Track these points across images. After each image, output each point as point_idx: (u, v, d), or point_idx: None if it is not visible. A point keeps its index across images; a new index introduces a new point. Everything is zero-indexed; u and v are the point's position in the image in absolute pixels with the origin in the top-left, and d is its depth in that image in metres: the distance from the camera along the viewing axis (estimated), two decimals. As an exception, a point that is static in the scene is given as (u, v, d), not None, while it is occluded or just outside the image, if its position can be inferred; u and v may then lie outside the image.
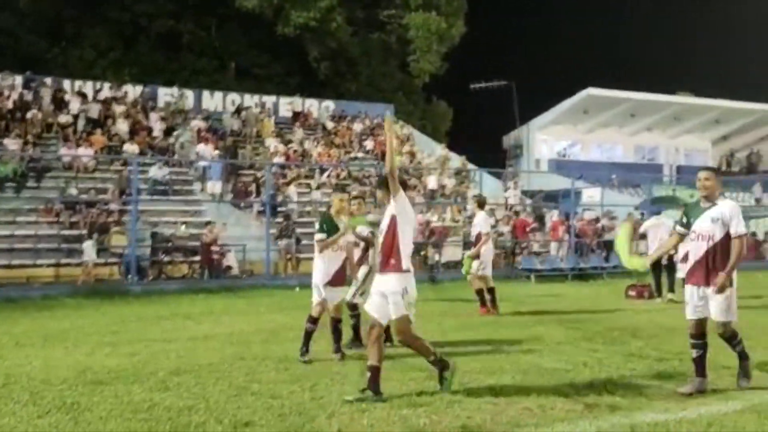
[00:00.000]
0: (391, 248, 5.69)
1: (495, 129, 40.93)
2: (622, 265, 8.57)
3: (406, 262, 5.67)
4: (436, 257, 19.20)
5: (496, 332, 9.04)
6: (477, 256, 10.88)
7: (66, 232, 17.82)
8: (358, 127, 29.68)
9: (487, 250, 10.99)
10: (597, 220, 21.95)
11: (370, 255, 7.96)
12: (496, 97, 40.49)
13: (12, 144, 20.88)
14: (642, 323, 10.00)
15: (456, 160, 28.58)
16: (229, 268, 16.79)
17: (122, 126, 23.72)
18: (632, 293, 13.53)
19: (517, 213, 21.98)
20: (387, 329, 6.80)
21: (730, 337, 5.87)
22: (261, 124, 27.15)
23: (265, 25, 32.89)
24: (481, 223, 10.97)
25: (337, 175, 24.78)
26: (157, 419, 5.04)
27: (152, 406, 5.37)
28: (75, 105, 24.16)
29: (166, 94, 27.38)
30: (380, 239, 5.87)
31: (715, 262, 5.74)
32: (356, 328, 7.99)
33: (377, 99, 33.19)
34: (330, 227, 7.35)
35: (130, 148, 22.60)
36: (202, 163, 22.24)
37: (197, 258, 16.96)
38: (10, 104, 23.32)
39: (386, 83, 36.57)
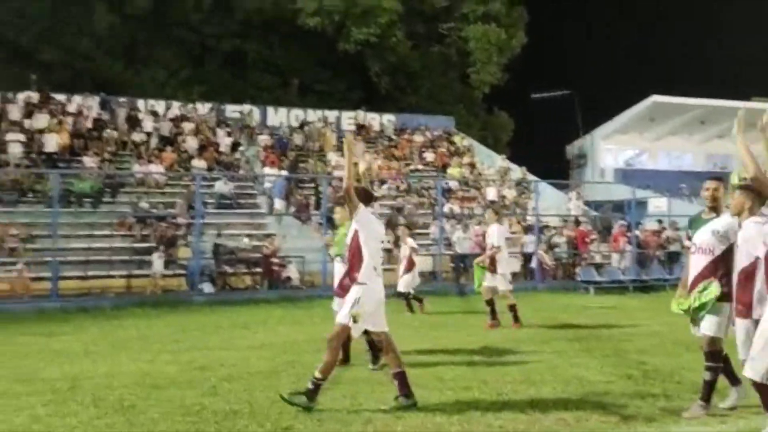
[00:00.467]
0: (354, 262, 5.93)
1: (557, 139, 40.44)
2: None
3: (365, 276, 5.83)
4: (494, 269, 19.11)
5: (544, 344, 9.04)
6: (494, 269, 10.74)
7: (137, 245, 18.68)
8: (418, 139, 29.94)
9: (506, 263, 10.86)
10: (661, 230, 21.40)
11: None
12: (558, 107, 40.05)
13: (90, 162, 22.09)
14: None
15: (516, 171, 28.42)
16: (288, 279, 17.23)
17: (191, 143, 24.69)
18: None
19: (578, 223, 21.67)
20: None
21: (712, 354, 5.43)
22: (323, 139, 27.77)
23: (326, 42, 33.66)
24: (494, 234, 10.84)
25: (397, 187, 25.07)
26: (205, 421, 5.36)
27: (201, 409, 5.71)
28: (148, 123, 25.31)
29: (232, 111, 28.31)
30: (347, 254, 6.12)
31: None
32: (370, 343, 7.77)
33: (438, 111, 33.37)
34: (340, 239, 7.71)
35: (198, 163, 23.53)
36: (267, 185, 22.83)
37: (259, 270, 17.49)
38: (88, 124, 24.66)
39: (446, 95, 36.70)
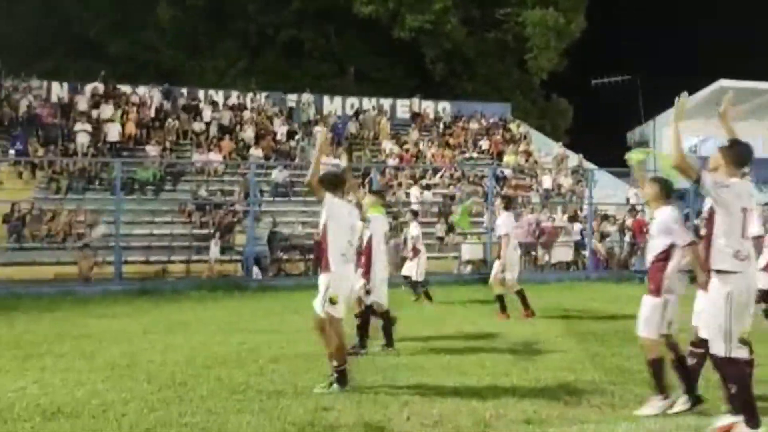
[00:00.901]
0: (323, 249, 6.10)
1: (619, 125, 39.45)
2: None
3: (333, 263, 5.99)
4: (546, 258, 18.99)
5: (589, 333, 8.98)
6: (499, 257, 10.73)
7: (196, 231, 19.32)
8: (474, 126, 29.77)
9: (512, 253, 10.70)
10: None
11: None
12: (619, 92, 39.02)
13: (152, 150, 22.90)
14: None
15: (573, 159, 27.95)
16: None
17: (249, 132, 25.27)
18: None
19: (635, 212, 21.18)
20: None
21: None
22: (378, 127, 27.95)
23: (381, 29, 33.76)
24: (503, 223, 10.68)
25: (451, 175, 25.04)
26: (249, 400, 5.62)
27: (247, 388, 5.98)
28: (207, 113, 26.00)
29: (289, 100, 28.76)
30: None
31: None
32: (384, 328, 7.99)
33: (494, 98, 33.09)
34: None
35: (255, 152, 24.08)
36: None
37: (311, 256, 17.83)
38: (151, 114, 25.54)
39: (503, 82, 36.32)
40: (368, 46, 35.00)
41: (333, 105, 29.70)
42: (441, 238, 20.72)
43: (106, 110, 24.11)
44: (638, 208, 22.53)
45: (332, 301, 5.97)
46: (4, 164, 21.06)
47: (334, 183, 6.23)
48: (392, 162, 24.82)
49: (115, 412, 5.26)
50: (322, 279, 6.08)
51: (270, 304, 12.58)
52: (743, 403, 4.52)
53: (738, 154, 4.69)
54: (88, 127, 22.83)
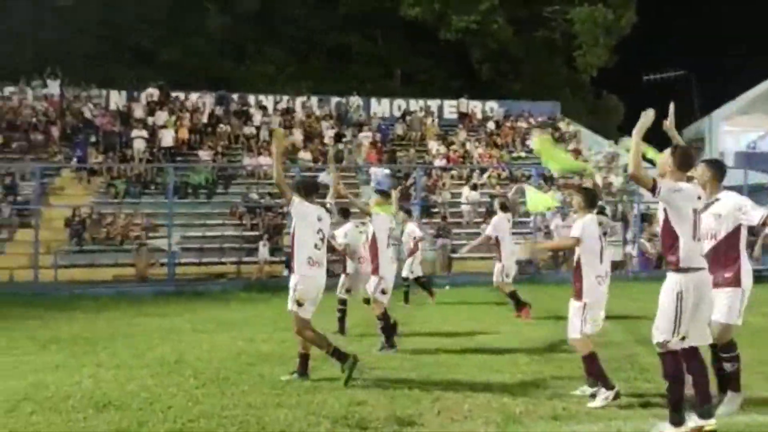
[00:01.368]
0: (292, 252, 6.36)
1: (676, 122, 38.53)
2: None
3: (299, 266, 6.20)
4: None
5: (629, 333, 8.92)
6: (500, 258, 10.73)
7: (247, 233, 19.84)
8: (522, 126, 29.59)
9: (508, 254, 10.64)
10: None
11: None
12: (673, 88, 38.14)
13: (205, 155, 23.60)
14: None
15: (624, 157, 27.47)
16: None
17: (297, 135, 25.74)
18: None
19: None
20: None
21: (726, 344, 5.28)
22: (425, 128, 28.07)
23: (427, 31, 33.91)
24: (495, 225, 10.71)
25: (498, 175, 24.97)
26: (288, 394, 5.87)
27: (286, 384, 6.23)
28: (257, 118, 26.62)
29: (337, 103, 29.13)
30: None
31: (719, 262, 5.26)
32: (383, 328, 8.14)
33: (543, 97, 32.76)
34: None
35: (304, 155, 24.53)
36: (372, 185, 23.12)
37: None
38: (204, 119, 26.28)
39: (551, 80, 35.93)
40: (415, 47, 35.18)
41: (380, 107, 29.94)
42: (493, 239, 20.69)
43: (161, 117, 24.94)
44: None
45: (299, 303, 6.24)
46: (66, 170, 22.03)
47: (306, 188, 6.49)
48: (439, 163, 24.90)
49: (161, 405, 5.56)
50: (291, 281, 6.36)
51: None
52: (672, 398, 4.68)
53: (683, 159, 4.88)
54: (144, 133, 23.66)
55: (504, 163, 25.85)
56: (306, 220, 6.34)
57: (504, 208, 11.04)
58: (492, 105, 30.99)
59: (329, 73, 34.30)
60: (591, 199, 5.99)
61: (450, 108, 30.37)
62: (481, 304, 12.59)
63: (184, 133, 24.63)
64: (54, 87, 25.80)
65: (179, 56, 32.97)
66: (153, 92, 26.41)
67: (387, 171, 23.51)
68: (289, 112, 27.70)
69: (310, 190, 6.54)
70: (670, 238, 4.74)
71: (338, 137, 26.25)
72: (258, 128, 25.98)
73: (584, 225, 5.79)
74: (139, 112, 25.27)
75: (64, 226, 19.44)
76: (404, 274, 12.91)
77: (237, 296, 14.11)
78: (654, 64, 38.76)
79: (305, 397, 5.76)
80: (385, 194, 8.93)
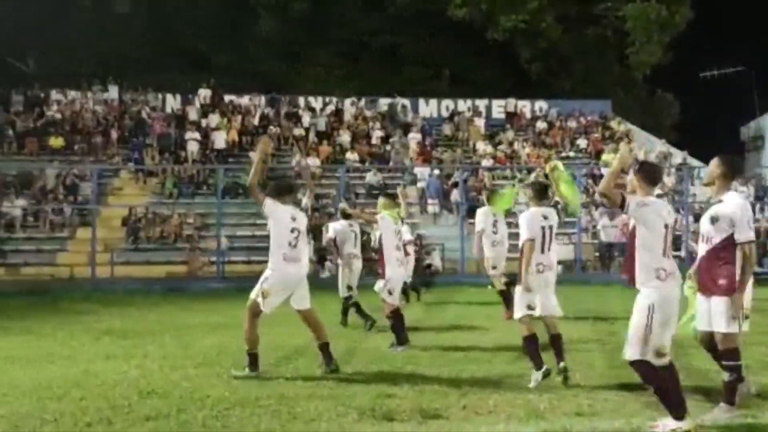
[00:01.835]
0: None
1: (731, 120, 37.40)
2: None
3: (273, 262, 6.57)
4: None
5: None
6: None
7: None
8: (572, 125, 29.28)
9: (489, 248, 10.49)
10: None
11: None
12: (731, 85, 36.99)
13: (255, 156, 24.14)
14: None
15: (677, 156, 26.94)
16: (429, 266, 17.85)
17: (345, 136, 26.12)
18: None
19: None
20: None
21: (728, 352, 5.14)
22: (471, 128, 28.06)
23: (475, 31, 33.84)
24: (478, 219, 10.71)
25: (545, 176, 24.75)
26: (320, 386, 6.11)
27: (320, 377, 6.47)
28: (306, 119, 27.12)
29: (384, 104, 29.36)
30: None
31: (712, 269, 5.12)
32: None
33: (594, 96, 32.29)
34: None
35: (351, 156, 24.89)
36: (420, 184, 23.29)
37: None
38: (256, 121, 26.92)
39: (603, 79, 35.32)
40: (463, 48, 35.13)
41: (428, 108, 30.07)
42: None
43: (214, 119, 25.67)
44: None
45: (264, 295, 6.56)
46: (123, 171, 22.93)
47: (279, 190, 6.85)
48: (486, 163, 24.88)
49: (200, 394, 5.87)
50: (265, 273, 6.70)
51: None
52: (663, 396, 4.76)
53: (650, 174, 4.96)
54: (198, 135, 24.42)
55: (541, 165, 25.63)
56: (279, 221, 6.69)
57: (489, 201, 11.05)
58: (541, 104, 30.74)
59: (378, 75, 34.58)
60: (540, 192, 6.51)
61: (498, 108, 30.27)
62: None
63: (235, 135, 25.28)
64: (113, 92, 26.89)
65: (232, 60, 33.79)
66: (206, 94, 27.14)
67: (435, 172, 23.66)
68: (337, 113, 28.11)
69: (284, 191, 6.93)
70: (639, 252, 4.80)
71: (385, 138, 26.52)
72: (307, 129, 26.46)
73: (528, 219, 6.34)
74: (192, 114, 26.07)
75: (121, 225, 20.27)
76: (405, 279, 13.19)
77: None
78: (711, 60, 37.62)
79: (337, 390, 5.98)
80: (391, 197, 9.12)
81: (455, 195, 22.17)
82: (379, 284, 8.45)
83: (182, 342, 8.53)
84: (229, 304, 12.71)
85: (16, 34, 27.59)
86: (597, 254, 19.51)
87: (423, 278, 15.04)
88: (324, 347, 6.76)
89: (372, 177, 22.97)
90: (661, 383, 4.78)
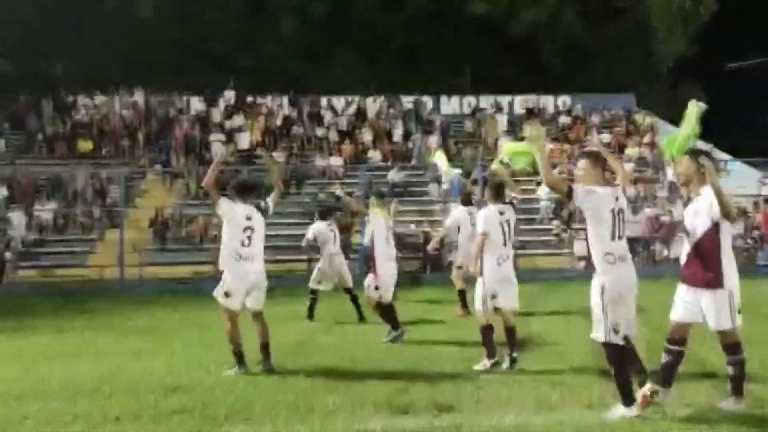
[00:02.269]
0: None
1: (757, 111, 36.80)
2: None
3: (226, 262, 6.75)
4: (665, 252, 18.39)
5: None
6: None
7: (318, 232, 20.44)
8: (595, 120, 29.08)
9: (461, 245, 10.69)
10: None
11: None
12: (758, 76, 36.41)
13: (279, 157, 24.44)
14: None
15: (704, 149, 26.57)
16: (450, 263, 17.89)
17: (367, 135, 26.28)
18: None
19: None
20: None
21: (729, 347, 5.29)
22: (493, 124, 28.02)
23: (496, 27, 33.74)
24: (451, 215, 11.36)
25: (568, 171, 24.67)
26: (338, 382, 6.30)
27: (340, 374, 6.66)
28: (328, 119, 27.32)
29: (406, 102, 29.41)
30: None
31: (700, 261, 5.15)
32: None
33: (617, 89, 32.01)
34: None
35: (374, 154, 25.06)
36: (444, 186, 23.25)
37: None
38: (278, 122, 27.20)
39: (626, 72, 35.00)
40: (483, 44, 35.04)
41: (450, 105, 30.04)
42: (557, 235, 20.68)
43: (237, 120, 26.00)
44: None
45: (227, 295, 6.74)
46: (150, 173, 23.37)
47: (239, 189, 7.02)
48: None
49: (223, 389, 6.10)
50: (223, 274, 6.88)
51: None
52: (619, 382, 4.98)
53: (598, 161, 5.21)
54: (222, 136, 24.78)
55: (574, 158, 25.49)
56: (232, 220, 6.84)
57: (466, 201, 11.59)
58: (564, 99, 30.51)
59: (398, 73, 34.66)
60: (496, 190, 7.01)
61: (521, 104, 30.15)
62: (544, 298, 12.67)
63: (258, 136, 25.57)
64: (139, 95, 27.34)
65: (254, 62, 34.12)
66: (230, 96, 27.46)
67: (459, 171, 23.67)
68: (359, 112, 28.25)
69: (244, 191, 7.07)
70: (590, 239, 5.04)
71: (407, 136, 26.61)
72: (329, 129, 26.67)
73: (485, 214, 6.88)
74: (216, 116, 26.43)
75: (149, 227, 20.67)
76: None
77: (304, 292, 14.65)
78: (737, 51, 37.06)
79: (353, 385, 6.16)
80: (382, 196, 9.42)
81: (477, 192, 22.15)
82: (368, 279, 8.77)
83: (205, 339, 8.77)
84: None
85: (44, 40, 28.20)
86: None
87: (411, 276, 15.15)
88: (265, 347, 7.00)
89: (395, 175, 23.11)
90: (622, 370, 4.99)
